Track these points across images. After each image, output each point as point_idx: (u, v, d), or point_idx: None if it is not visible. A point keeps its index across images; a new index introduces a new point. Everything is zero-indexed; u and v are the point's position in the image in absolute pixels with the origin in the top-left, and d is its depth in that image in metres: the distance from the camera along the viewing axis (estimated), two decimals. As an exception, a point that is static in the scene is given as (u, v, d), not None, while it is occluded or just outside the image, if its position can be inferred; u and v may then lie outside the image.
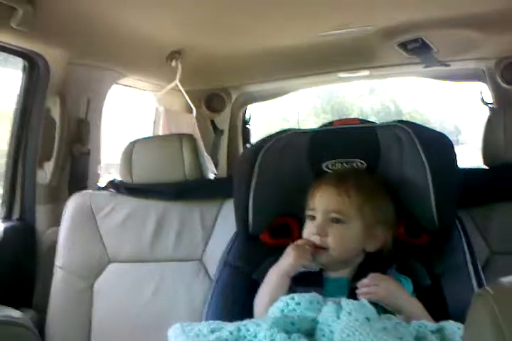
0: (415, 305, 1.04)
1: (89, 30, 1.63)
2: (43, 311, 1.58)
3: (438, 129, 1.29)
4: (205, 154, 1.75)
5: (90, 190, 1.74)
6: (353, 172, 1.21)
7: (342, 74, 2.47)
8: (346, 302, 0.93)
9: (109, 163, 2.12)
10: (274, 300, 1.04)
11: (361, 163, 1.23)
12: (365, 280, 1.04)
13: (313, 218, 1.13)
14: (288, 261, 1.10)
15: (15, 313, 0.68)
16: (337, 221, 1.10)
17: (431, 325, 0.93)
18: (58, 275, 1.57)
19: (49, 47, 1.65)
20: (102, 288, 1.54)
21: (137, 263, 1.56)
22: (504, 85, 2.11)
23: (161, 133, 2.24)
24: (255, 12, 1.64)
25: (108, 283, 1.54)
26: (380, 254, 1.13)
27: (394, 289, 1.04)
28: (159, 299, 1.50)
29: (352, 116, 3.75)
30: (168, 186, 1.61)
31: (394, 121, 1.28)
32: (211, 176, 1.97)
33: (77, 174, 1.87)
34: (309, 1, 1.57)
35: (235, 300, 1.18)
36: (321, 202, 1.12)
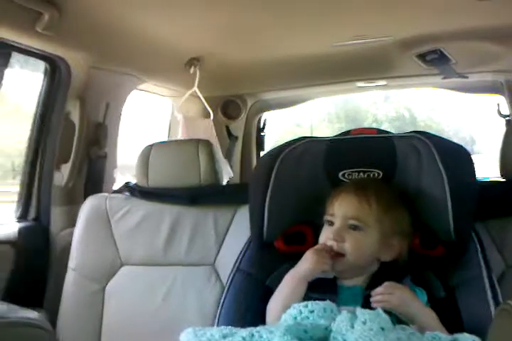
0: (429, 316, 1.04)
1: (112, 36, 1.65)
2: (54, 312, 1.59)
3: (453, 138, 1.29)
4: (222, 158, 1.74)
5: (106, 193, 1.75)
6: (373, 182, 1.21)
7: (359, 84, 2.47)
8: (361, 312, 0.93)
9: (123, 164, 2.13)
10: (289, 304, 1.04)
11: (378, 173, 1.24)
12: (379, 289, 1.05)
13: (331, 224, 1.13)
14: (307, 266, 1.10)
15: (32, 314, 0.69)
16: (355, 228, 1.11)
17: (445, 336, 0.93)
18: (71, 277, 1.58)
19: (71, 52, 1.67)
20: (114, 291, 1.54)
21: (150, 267, 1.56)
22: (523, 98, 2.10)
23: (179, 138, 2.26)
24: (273, 20, 1.66)
25: (120, 285, 1.55)
26: (395, 264, 1.13)
27: (408, 298, 1.04)
28: (171, 303, 1.50)
29: (366, 123, 3.72)
30: (183, 191, 1.61)
31: (411, 132, 1.28)
32: (227, 179, 1.98)
33: (93, 177, 1.88)
34: (328, 10, 1.58)
35: (248, 306, 1.18)
36: (341, 208, 1.13)
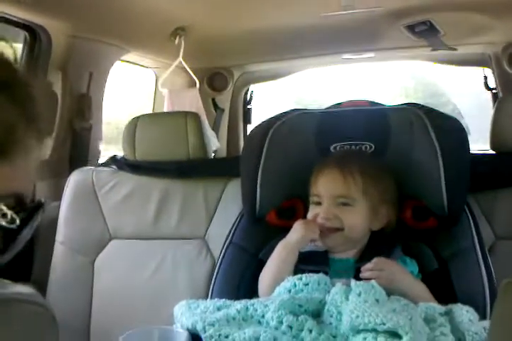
0: (420, 288, 1.04)
1: (94, 4, 1.59)
2: (41, 286, 1.57)
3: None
4: (209, 129, 1.70)
5: (92, 167, 1.72)
6: (355, 154, 1.20)
7: (346, 56, 2.44)
8: (356, 284, 0.93)
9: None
10: (280, 275, 1.04)
11: (370, 146, 1.22)
12: (368, 265, 1.04)
13: (318, 203, 1.12)
14: (297, 235, 1.10)
15: (26, 289, 0.66)
16: (344, 204, 1.10)
17: (439, 307, 0.94)
18: (59, 251, 1.56)
19: (52, 20, 1.61)
20: (103, 264, 1.53)
21: (139, 240, 1.55)
22: (510, 71, 2.09)
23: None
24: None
25: (109, 259, 1.53)
26: (384, 233, 1.14)
27: (398, 273, 1.04)
28: (160, 276, 1.49)
29: (443, 100, 3.41)
30: (172, 164, 1.59)
31: (404, 104, 1.27)
32: (213, 148, 1.95)
33: (78, 149, 1.84)
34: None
35: (241, 279, 1.18)
36: (326, 187, 1.12)
